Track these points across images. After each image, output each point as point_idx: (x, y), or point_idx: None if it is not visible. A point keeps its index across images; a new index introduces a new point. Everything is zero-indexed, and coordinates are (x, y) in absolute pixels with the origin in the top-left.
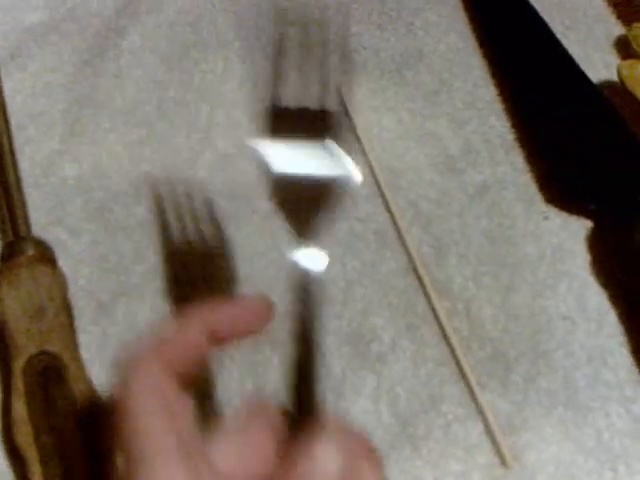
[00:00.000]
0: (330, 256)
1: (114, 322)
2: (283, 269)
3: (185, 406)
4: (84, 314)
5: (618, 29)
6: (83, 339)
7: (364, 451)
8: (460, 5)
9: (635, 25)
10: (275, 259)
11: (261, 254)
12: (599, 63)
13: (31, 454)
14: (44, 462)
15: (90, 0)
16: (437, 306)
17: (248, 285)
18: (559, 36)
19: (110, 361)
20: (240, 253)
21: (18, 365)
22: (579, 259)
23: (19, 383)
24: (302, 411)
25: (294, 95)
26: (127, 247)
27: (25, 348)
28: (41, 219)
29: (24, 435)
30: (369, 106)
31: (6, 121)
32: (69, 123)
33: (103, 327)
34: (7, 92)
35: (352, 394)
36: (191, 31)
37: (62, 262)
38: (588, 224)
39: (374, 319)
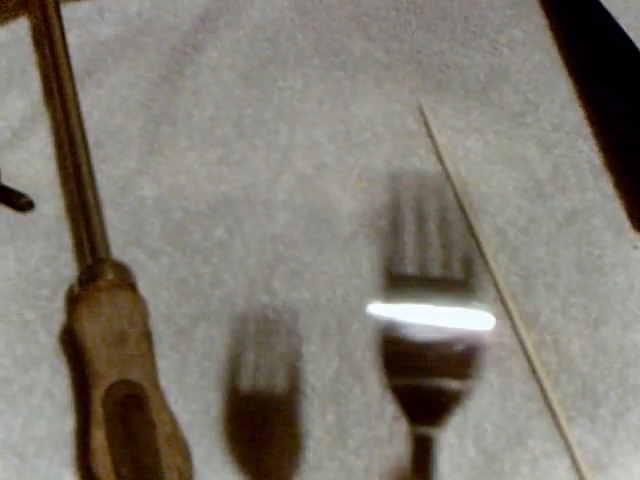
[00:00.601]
0: None
1: (193, 348)
2: (364, 294)
3: None
4: (163, 339)
5: None
6: (161, 364)
7: None
8: (546, 22)
9: None
10: (356, 284)
11: (342, 278)
12: None
13: None
14: None
15: (166, 13)
16: (525, 338)
17: (328, 310)
18: None
19: (188, 387)
20: (320, 277)
21: (98, 393)
22: None
23: (99, 412)
24: None
25: (414, 264)
26: (206, 270)
27: (105, 376)
28: (119, 239)
29: (103, 465)
30: (453, 127)
31: (84, 139)
32: (147, 141)
33: (182, 352)
34: (84, 108)
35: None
36: (269, 47)
37: (141, 284)
38: None
39: None
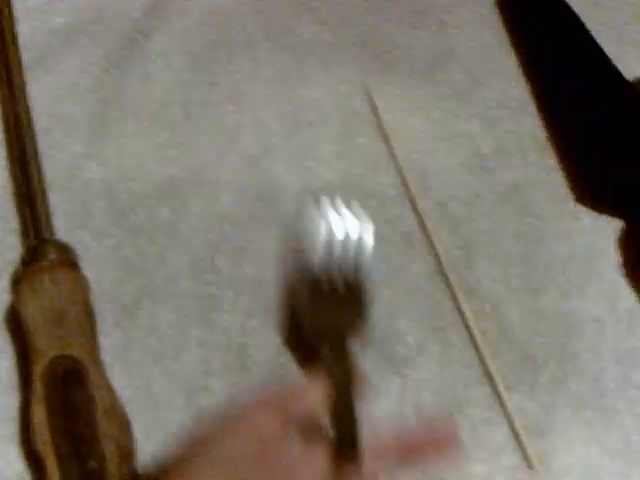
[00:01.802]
0: None
1: (136, 325)
2: (309, 271)
3: None
4: (107, 317)
5: None
6: (105, 342)
7: None
8: (493, 2)
9: None
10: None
11: (286, 255)
12: (634, 61)
13: (50, 459)
14: (63, 467)
15: (116, 1)
16: (465, 308)
17: (272, 286)
18: (594, 33)
19: (131, 364)
20: (264, 255)
21: (38, 369)
22: (610, 260)
23: (39, 387)
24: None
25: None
26: (150, 250)
27: (46, 352)
28: (65, 223)
29: (43, 439)
30: (399, 106)
31: (30, 124)
32: (95, 126)
33: (126, 330)
34: (33, 95)
35: (378, 396)
36: (219, 32)
37: (86, 265)
38: (619, 224)
39: (400, 322)
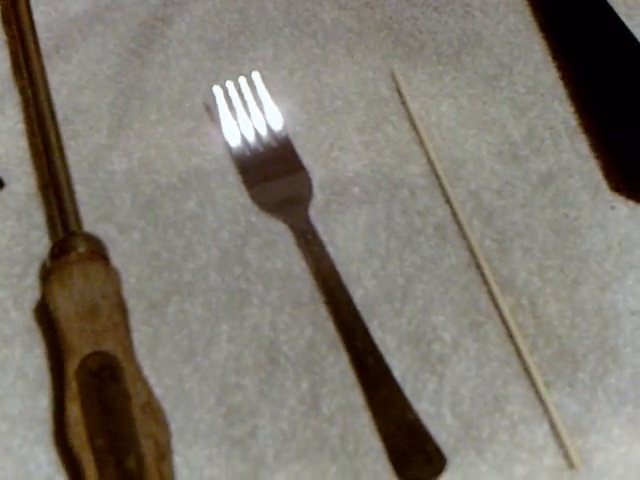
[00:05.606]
0: (388, 250)
1: (165, 321)
2: (336, 262)
3: None
4: (135, 314)
5: None
6: (133, 339)
7: None
8: None
9: None
10: (329, 252)
11: None
12: None
13: (86, 457)
14: (99, 465)
15: None
16: (501, 302)
17: (301, 279)
18: (622, 17)
19: (160, 361)
20: (293, 247)
21: (72, 366)
22: None
23: (73, 384)
24: None
25: None
26: (178, 243)
27: (79, 348)
28: (89, 215)
29: (78, 437)
30: (426, 93)
31: (53, 116)
32: (116, 116)
33: (154, 326)
34: (53, 85)
35: (413, 397)
36: (240, 18)
37: (112, 259)
38: None
39: (435, 317)
